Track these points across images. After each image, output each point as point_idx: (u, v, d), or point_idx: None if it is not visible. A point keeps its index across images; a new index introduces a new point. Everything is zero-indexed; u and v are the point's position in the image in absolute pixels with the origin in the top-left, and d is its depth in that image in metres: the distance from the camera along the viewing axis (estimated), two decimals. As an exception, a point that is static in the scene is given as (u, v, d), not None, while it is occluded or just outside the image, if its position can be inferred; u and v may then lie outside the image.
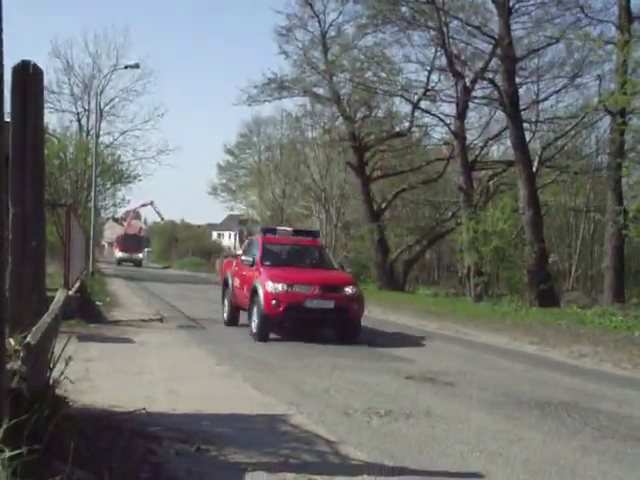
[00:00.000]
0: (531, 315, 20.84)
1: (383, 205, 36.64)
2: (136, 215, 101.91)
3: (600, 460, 6.36)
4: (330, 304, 14.16)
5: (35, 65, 5.42)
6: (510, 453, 6.42)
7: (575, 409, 8.54)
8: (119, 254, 65.95)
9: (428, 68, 31.54)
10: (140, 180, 43.97)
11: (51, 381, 5.22)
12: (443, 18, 27.24)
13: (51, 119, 47.26)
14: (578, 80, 30.14)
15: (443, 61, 29.63)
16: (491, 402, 8.78)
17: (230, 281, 16.71)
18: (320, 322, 14.60)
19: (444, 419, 7.65)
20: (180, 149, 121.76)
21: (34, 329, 4.74)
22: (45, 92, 6.19)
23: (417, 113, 33.35)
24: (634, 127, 24.35)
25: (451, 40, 27.99)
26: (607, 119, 26.82)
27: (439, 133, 35.99)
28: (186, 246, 78.99)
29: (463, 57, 29.38)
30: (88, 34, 74.90)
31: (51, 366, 5.27)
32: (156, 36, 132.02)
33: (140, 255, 67.57)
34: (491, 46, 27.30)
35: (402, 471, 5.73)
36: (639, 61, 22.44)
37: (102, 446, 5.54)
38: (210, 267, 67.58)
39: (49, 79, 43.12)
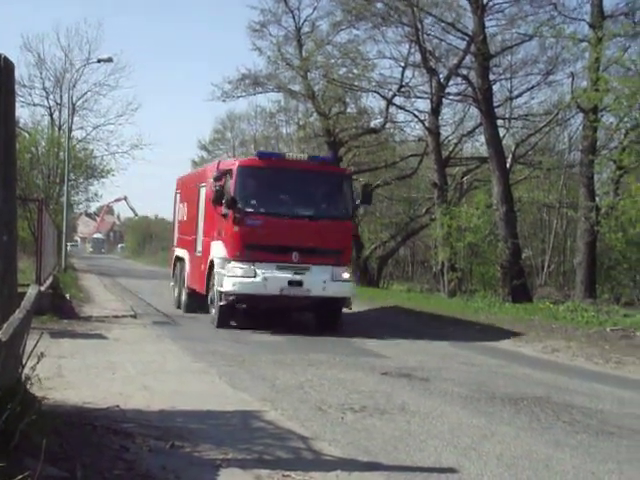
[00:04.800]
0: (504, 310, 20.96)
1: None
2: (109, 210, 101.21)
3: (572, 454, 6.42)
4: None
5: (6, 58, 5.34)
6: (483, 448, 6.46)
7: (548, 404, 8.62)
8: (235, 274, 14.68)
9: (402, 64, 31.50)
10: (113, 175, 43.54)
11: (23, 378, 5.16)
12: (417, 14, 27.27)
13: (22, 113, 46.78)
14: (551, 77, 30.23)
15: (417, 57, 29.59)
16: (465, 397, 8.83)
17: None
18: None
19: (419, 414, 7.68)
20: (154, 144, 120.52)
21: (5, 325, 4.67)
22: (16, 86, 6.11)
23: (391, 109, 33.38)
24: (606, 124, 24.58)
25: (425, 36, 28.00)
26: (580, 116, 27.00)
27: (413, 129, 35.90)
28: (161, 242, 78.59)
29: (437, 53, 29.41)
30: (60, 28, 73.99)
31: (23, 363, 5.22)
32: (130, 31, 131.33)
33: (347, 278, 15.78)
34: (465, 43, 27.37)
35: (376, 467, 5.74)
36: (611, 58, 22.65)
37: (75, 443, 5.50)
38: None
39: (20, 73, 42.49)
